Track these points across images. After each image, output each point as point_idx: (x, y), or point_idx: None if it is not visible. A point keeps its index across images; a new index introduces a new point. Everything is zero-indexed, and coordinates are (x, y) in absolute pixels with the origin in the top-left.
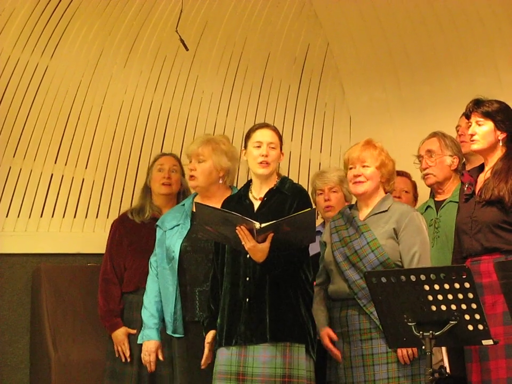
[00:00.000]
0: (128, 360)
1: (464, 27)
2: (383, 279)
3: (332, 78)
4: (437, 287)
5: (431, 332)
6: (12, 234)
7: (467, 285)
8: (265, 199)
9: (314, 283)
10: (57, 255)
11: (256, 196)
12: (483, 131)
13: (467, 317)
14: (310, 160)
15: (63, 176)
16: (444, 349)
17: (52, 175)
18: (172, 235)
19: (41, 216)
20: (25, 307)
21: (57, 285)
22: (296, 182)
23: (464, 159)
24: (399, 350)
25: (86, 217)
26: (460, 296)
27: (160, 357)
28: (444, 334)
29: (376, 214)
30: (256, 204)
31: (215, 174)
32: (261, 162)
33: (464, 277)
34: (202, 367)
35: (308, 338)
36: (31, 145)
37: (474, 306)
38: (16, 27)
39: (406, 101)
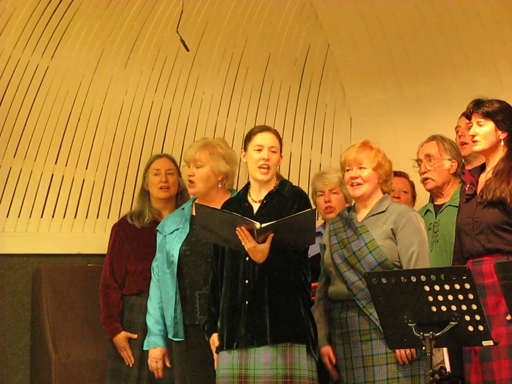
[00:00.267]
0: (131, 365)
1: (464, 28)
2: (384, 280)
3: (332, 79)
4: (437, 288)
5: (431, 332)
6: (12, 235)
7: (467, 286)
8: (264, 201)
9: (313, 284)
10: (57, 255)
11: (255, 198)
12: (484, 131)
13: (467, 317)
14: (310, 161)
15: (63, 176)
16: (445, 349)
17: (53, 175)
18: (171, 239)
19: (41, 216)
20: (25, 307)
21: (57, 286)
22: (296, 185)
23: (463, 162)
24: (397, 350)
25: (86, 217)
26: (460, 297)
27: (167, 363)
28: (444, 334)
29: (374, 215)
30: (256, 207)
31: (214, 178)
32: (261, 167)
33: (464, 278)
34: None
35: (308, 338)
36: (32, 145)
37: (474, 307)
38: (16, 27)
39: (406, 102)
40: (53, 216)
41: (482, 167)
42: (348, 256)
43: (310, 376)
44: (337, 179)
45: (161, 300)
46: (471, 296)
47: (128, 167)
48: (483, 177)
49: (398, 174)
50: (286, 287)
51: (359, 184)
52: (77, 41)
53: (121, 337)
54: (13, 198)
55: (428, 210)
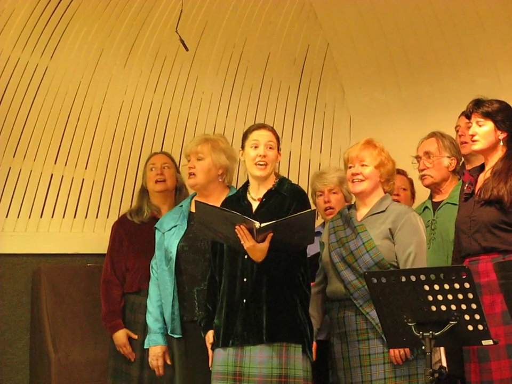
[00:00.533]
0: (132, 359)
1: (464, 28)
2: (383, 279)
3: (331, 79)
4: (436, 287)
5: (431, 332)
6: (11, 235)
7: (467, 285)
8: (263, 200)
9: (312, 284)
10: (57, 255)
11: (255, 196)
12: (483, 131)
13: (467, 317)
14: (310, 160)
15: (63, 176)
16: (442, 349)
17: (52, 175)
18: (169, 236)
19: (41, 216)
20: (25, 307)
21: (57, 285)
22: (295, 183)
23: (462, 160)
24: (391, 351)
25: (85, 217)
26: (460, 296)
27: (168, 361)
28: (444, 334)
29: (373, 214)
30: (255, 205)
31: (214, 171)
32: (258, 163)
33: (464, 277)
34: (211, 369)
35: (304, 339)
36: (31, 145)
37: (474, 306)
38: (16, 27)
39: (406, 101)
40: (52, 216)
41: (482, 167)
42: (345, 255)
43: (304, 376)
44: (337, 179)
45: (160, 297)
46: (470, 296)
47: (127, 166)
48: (482, 177)
49: (397, 171)
50: (284, 287)
51: (360, 180)
52: (76, 41)
53: (122, 334)
54: (12, 197)
55: (426, 207)
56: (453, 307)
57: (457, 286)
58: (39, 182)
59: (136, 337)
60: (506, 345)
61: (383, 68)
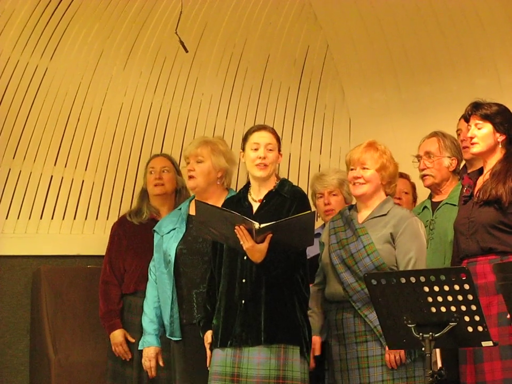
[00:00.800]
0: (128, 359)
1: (463, 29)
2: (383, 281)
3: (331, 80)
4: (436, 288)
5: (430, 333)
6: (11, 236)
7: (466, 286)
8: (264, 201)
9: (311, 285)
10: (57, 257)
11: (255, 198)
12: (482, 133)
13: (467, 318)
14: (309, 161)
15: (62, 178)
16: (437, 351)
17: (52, 176)
18: (168, 239)
19: (41, 218)
20: (25, 309)
21: (57, 287)
22: (296, 185)
23: (463, 160)
24: (386, 355)
25: (85, 219)
26: (460, 297)
27: (161, 363)
28: (444, 335)
29: (375, 217)
30: (255, 206)
31: (214, 174)
32: (258, 165)
33: (463, 278)
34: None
35: (302, 341)
36: (31, 147)
37: (474, 307)
38: (15, 28)
39: (406, 102)
40: (52, 218)
41: (480, 171)
42: (346, 257)
43: (302, 378)
44: (337, 181)
45: (157, 299)
46: (470, 297)
47: (127, 167)
48: (481, 180)
49: (400, 175)
50: (283, 288)
51: (361, 183)
52: (76, 42)
53: (119, 333)
54: (12, 199)
55: (425, 207)
56: (453, 308)
57: (457, 287)
58: (38, 184)
59: (133, 340)
60: (500, 347)
61: (383, 68)
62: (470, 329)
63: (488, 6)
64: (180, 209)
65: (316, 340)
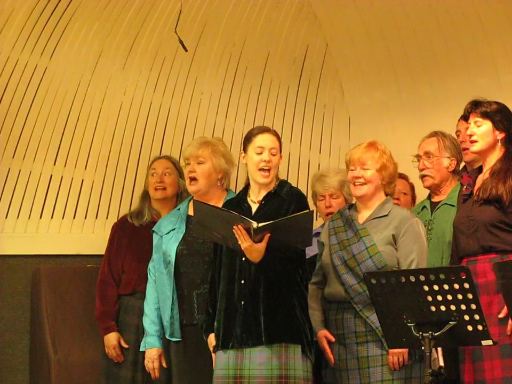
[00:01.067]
0: (120, 361)
1: (463, 28)
2: (383, 280)
3: (331, 79)
4: (436, 287)
5: (430, 332)
6: (11, 236)
7: (466, 285)
8: (263, 202)
9: (309, 283)
10: (56, 256)
11: (255, 199)
12: (482, 131)
13: (466, 317)
14: (309, 161)
15: (62, 177)
16: (439, 350)
17: (51, 176)
18: (168, 239)
19: (40, 217)
20: (24, 308)
21: (56, 286)
22: (295, 186)
23: (462, 160)
24: (389, 356)
25: (85, 218)
26: (459, 296)
27: (163, 364)
28: (443, 334)
29: (376, 218)
30: (255, 207)
31: (215, 175)
32: (262, 169)
33: (463, 277)
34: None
35: (303, 339)
36: (30, 146)
37: (473, 306)
38: (15, 28)
39: (405, 102)
40: (52, 217)
41: (480, 169)
42: (347, 258)
43: (305, 376)
44: (337, 183)
45: (157, 300)
46: (470, 296)
47: (127, 167)
48: (480, 178)
49: (399, 175)
50: (282, 288)
51: (361, 184)
52: (75, 41)
53: (113, 336)
54: (11, 198)
55: (424, 206)
56: (453, 307)
57: (456, 286)
58: (38, 183)
59: (127, 346)
60: (500, 346)
61: (383, 68)
62: (469, 328)
63: (488, 6)
64: (179, 209)
65: (323, 332)
